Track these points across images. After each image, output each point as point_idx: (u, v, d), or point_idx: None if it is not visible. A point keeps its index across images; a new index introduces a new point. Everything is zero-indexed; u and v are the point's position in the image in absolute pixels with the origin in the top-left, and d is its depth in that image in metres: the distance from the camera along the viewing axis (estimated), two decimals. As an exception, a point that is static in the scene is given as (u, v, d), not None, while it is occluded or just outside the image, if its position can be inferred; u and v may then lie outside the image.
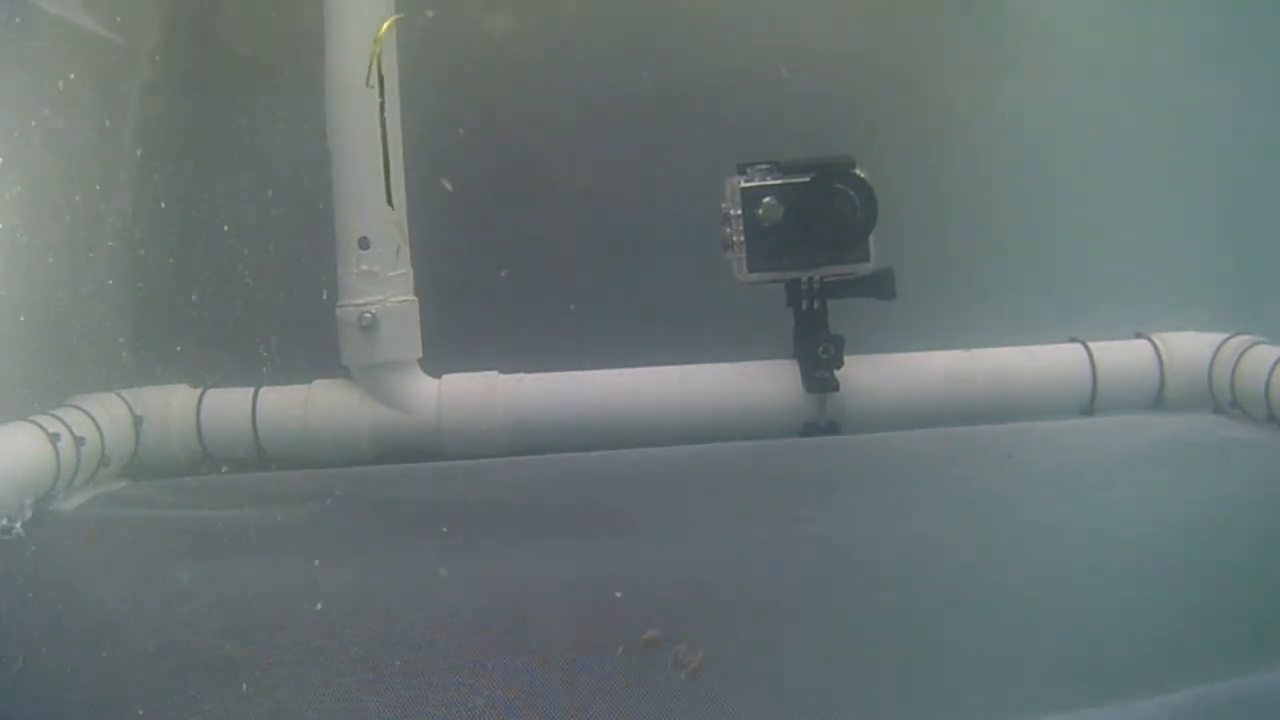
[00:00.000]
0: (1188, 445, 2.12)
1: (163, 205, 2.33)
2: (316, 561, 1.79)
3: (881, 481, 2.05)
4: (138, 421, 2.23)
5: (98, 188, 2.23)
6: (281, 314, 2.28)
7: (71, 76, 2.11)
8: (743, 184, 2.21)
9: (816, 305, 2.26)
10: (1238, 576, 1.62)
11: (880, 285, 2.23)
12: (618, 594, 1.63)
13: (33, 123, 1.98)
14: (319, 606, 1.64)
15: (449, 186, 2.37)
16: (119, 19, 2.30)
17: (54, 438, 1.98)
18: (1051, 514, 1.88)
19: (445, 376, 2.32)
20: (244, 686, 1.46)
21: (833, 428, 2.27)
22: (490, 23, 2.71)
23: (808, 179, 2.19)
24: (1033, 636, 1.51)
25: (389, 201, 2.15)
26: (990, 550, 1.75)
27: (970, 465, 2.09)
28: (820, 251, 2.21)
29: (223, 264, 2.35)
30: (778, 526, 1.89)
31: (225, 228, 2.36)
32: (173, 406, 2.27)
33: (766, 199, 2.19)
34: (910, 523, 1.86)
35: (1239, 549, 1.70)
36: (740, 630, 1.56)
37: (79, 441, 2.04)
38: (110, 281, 2.26)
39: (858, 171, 2.19)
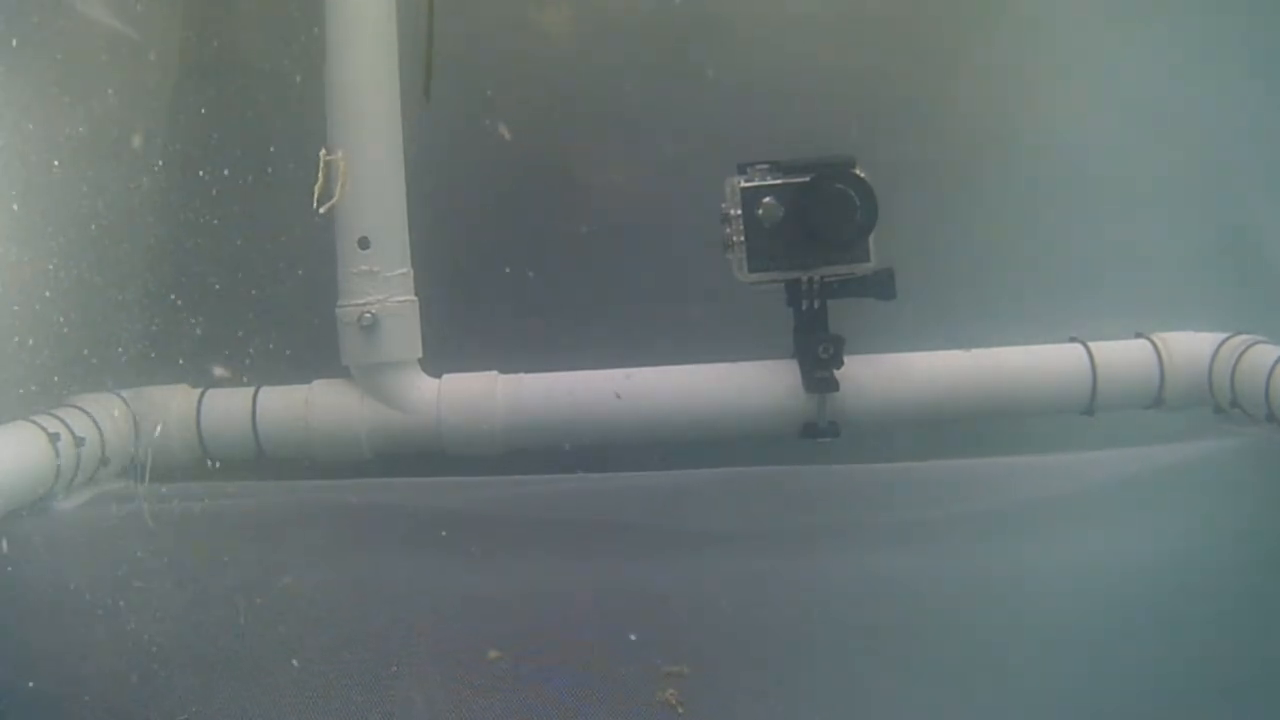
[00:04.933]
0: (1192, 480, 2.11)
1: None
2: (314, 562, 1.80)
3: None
4: (138, 421, 2.23)
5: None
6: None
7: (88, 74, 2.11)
8: (743, 184, 2.21)
9: (816, 305, 2.26)
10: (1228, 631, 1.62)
11: (880, 285, 2.23)
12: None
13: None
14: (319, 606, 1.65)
15: (506, 134, 2.35)
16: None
17: (54, 438, 1.98)
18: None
19: (445, 376, 2.32)
20: (237, 687, 1.47)
21: (833, 428, 2.27)
22: (493, 23, 2.71)
23: (808, 179, 2.19)
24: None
25: (426, 94, 2.11)
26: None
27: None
28: (820, 251, 2.21)
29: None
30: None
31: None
32: (173, 406, 2.27)
33: (766, 199, 2.19)
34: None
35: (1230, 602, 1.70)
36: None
37: (79, 441, 2.04)
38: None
39: (858, 171, 2.19)
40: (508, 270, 2.64)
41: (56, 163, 2.04)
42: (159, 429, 2.20)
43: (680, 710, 1.44)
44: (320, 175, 2.10)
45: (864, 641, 1.62)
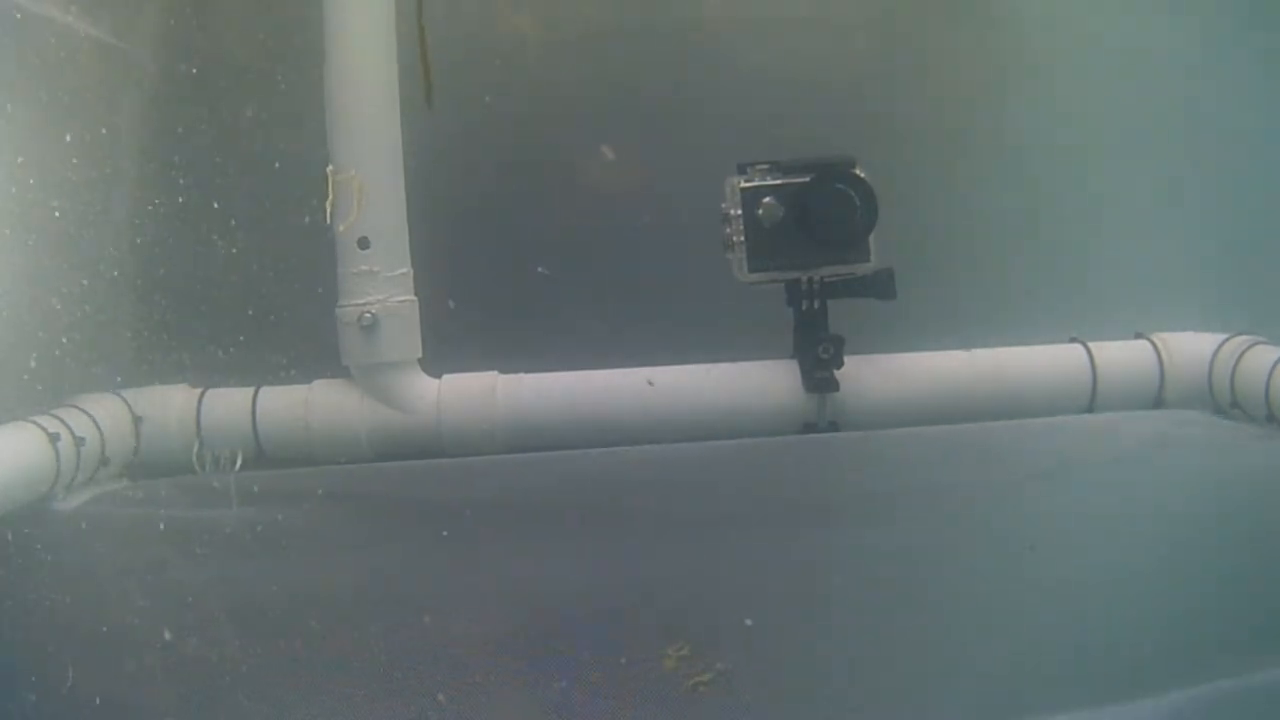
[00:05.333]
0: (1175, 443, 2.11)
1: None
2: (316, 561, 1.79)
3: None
4: (138, 421, 2.23)
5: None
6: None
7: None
8: (743, 184, 2.21)
9: (816, 305, 2.26)
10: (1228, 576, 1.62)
11: (880, 285, 2.23)
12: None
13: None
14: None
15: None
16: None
17: (54, 438, 1.98)
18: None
19: (445, 376, 2.32)
20: (242, 687, 1.46)
21: (833, 428, 2.27)
22: (493, 22, 2.71)
23: (808, 179, 2.19)
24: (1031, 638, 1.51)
25: (428, 100, 2.12)
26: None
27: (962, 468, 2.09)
28: (820, 251, 2.21)
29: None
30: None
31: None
32: (173, 406, 2.28)
33: (766, 199, 2.19)
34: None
35: (1229, 548, 1.70)
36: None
37: (79, 441, 2.04)
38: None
39: (858, 171, 2.19)
40: (507, 271, 2.64)
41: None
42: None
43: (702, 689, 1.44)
44: (330, 192, 2.11)
45: (866, 614, 1.62)
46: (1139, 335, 2.39)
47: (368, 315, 2.21)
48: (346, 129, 2.21)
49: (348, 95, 2.21)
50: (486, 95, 2.63)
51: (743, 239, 2.20)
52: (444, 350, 2.34)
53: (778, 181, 2.20)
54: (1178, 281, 2.56)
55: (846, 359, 2.25)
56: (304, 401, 2.28)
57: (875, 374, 2.30)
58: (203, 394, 2.29)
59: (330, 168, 2.16)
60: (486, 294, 2.63)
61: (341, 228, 2.19)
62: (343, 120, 2.21)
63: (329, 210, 2.15)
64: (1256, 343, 2.25)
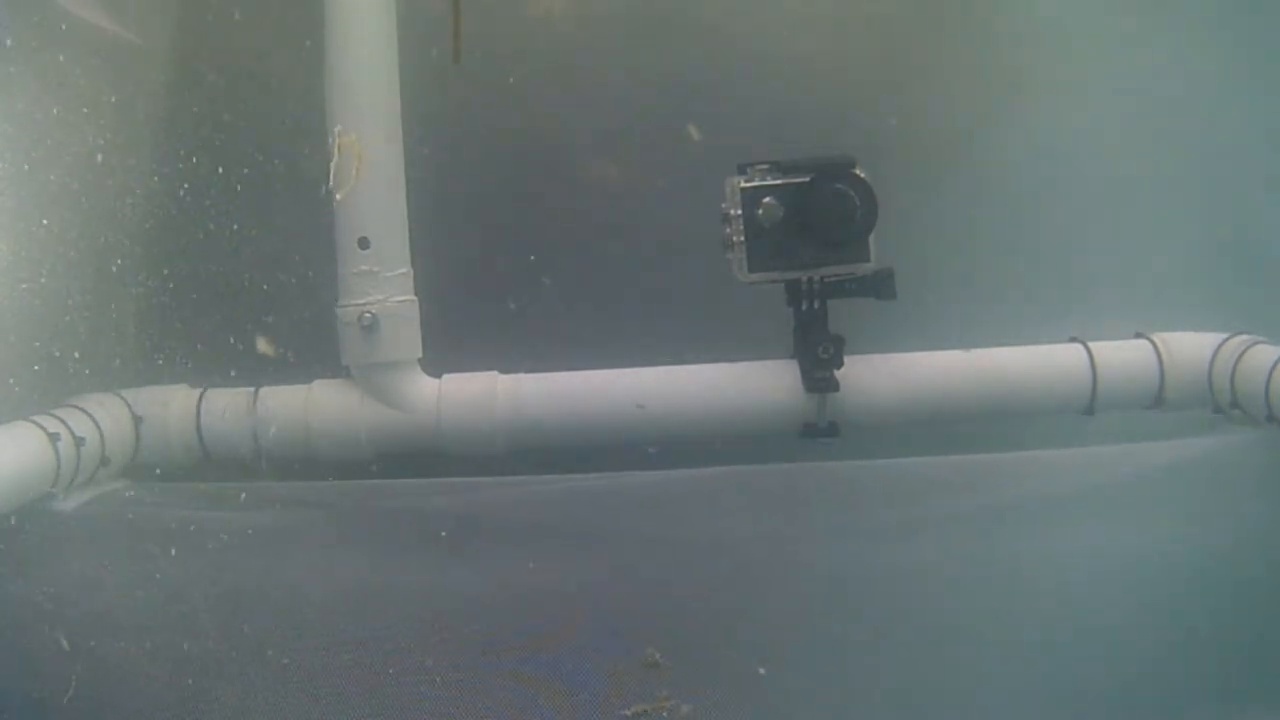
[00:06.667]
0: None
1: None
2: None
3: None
4: (138, 421, 2.24)
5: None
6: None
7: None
8: (743, 184, 2.21)
9: (816, 305, 2.26)
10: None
11: (880, 285, 2.23)
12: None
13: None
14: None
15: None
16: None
17: (54, 438, 1.98)
18: None
19: (445, 376, 2.32)
20: (237, 687, 1.47)
21: (833, 428, 2.27)
22: (492, 22, 2.71)
23: (808, 179, 2.18)
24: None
25: (456, 56, 2.09)
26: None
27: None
28: (820, 251, 2.21)
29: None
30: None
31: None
32: (172, 406, 2.28)
33: (766, 199, 2.19)
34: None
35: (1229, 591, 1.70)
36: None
37: (79, 441, 2.04)
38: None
39: (858, 171, 2.19)
40: (509, 270, 2.65)
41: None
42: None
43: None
44: (336, 154, 2.09)
45: (866, 637, 1.62)
46: (1139, 335, 2.39)
47: (368, 315, 2.21)
48: (348, 127, 2.20)
49: (349, 93, 2.20)
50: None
51: (743, 239, 2.20)
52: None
53: (778, 181, 2.20)
54: (1178, 281, 2.56)
55: (846, 359, 2.25)
56: (304, 401, 2.28)
57: (875, 374, 2.29)
58: (203, 394, 2.29)
59: (338, 128, 2.13)
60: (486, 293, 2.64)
61: (339, 195, 2.17)
62: (343, 119, 2.20)
63: (331, 174, 2.12)
64: (1256, 342, 2.25)
